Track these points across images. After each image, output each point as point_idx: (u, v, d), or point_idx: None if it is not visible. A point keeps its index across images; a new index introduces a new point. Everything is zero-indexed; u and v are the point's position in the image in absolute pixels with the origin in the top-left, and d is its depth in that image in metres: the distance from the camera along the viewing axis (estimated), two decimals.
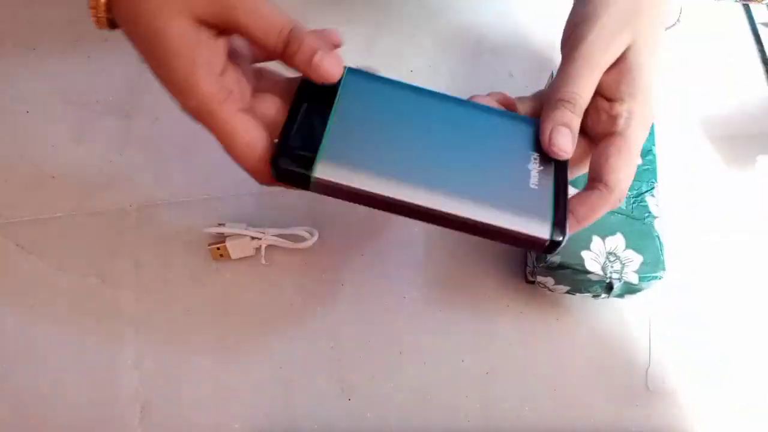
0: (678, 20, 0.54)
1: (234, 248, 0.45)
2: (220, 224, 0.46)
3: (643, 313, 0.47)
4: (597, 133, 0.35)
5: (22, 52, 0.53)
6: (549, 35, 0.54)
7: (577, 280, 0.42)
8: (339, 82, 0.34)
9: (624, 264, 0.42)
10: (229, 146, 0.32)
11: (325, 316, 0.46)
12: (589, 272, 0.41)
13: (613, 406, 0.44)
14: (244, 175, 0.49)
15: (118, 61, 0.53)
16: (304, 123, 0.34)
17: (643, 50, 0.35)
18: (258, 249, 0.46)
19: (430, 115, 0.35)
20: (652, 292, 0.46)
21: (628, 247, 0.42)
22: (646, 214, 0.43)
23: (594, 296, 0.44)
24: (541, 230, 0.32)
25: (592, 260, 0.41)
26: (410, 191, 0.32)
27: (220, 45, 0.32)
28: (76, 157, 0.49)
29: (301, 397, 0.44)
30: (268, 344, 0.45)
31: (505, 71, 0.54)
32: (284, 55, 0.32)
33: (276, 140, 0.33)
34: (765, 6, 0.58)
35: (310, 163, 0.32)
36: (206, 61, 0.31)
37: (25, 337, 0.45)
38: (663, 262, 0.42)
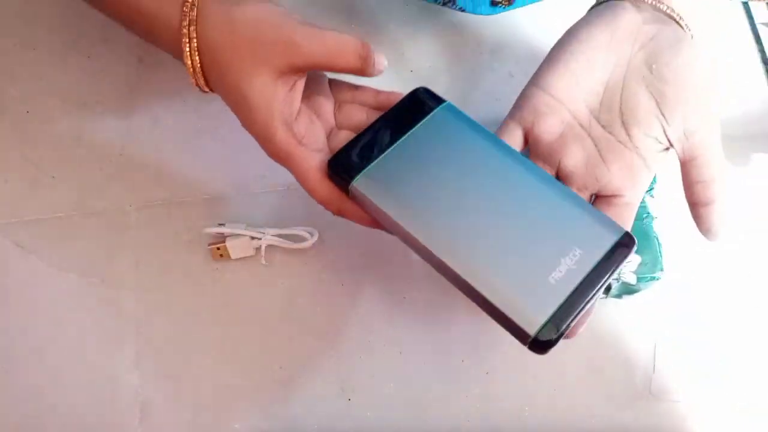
0: None
1: (234, 248, 0.45)
2: (219, 224, 0.46)
3: (644, 313, 0.47)
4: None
5: (22, 51, 0.53)
6: (549, 35, 0.54)
7: None
8: (430, 111, 0.36)
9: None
10: (303, 182, 0.36)
11: (325, 316, 0.46)
12: None
13: (613, 406, 0.44)
14: (243, 175, 0.50)
15: (118, 61, 0.53)
16: (373, 137, 0.36)
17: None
18: (258, 249, 0.46)
19: (493, 171, 0.35)
20: (652, 293, 0.46)
21: None
22: (645, 215, 0.43)
23: None
24: (530, 324, 0.31)
25: None
26: (427, 235, 0.32)
27: (294, 95, 0.36)
28: (76, 157, 0.50)
29: (300, 397, 0.44)
30: (268, 344, 0.45)
31: (505, 71, 0.54)
32: (364, 70, 0.36)
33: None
34: (765, 5, 0.58)
35: (354, 173, 0.34)
36: (282, 114, 0.35)
37: (25, 337, 0.45)
38: (661, 262, 0.42)
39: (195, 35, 0.35)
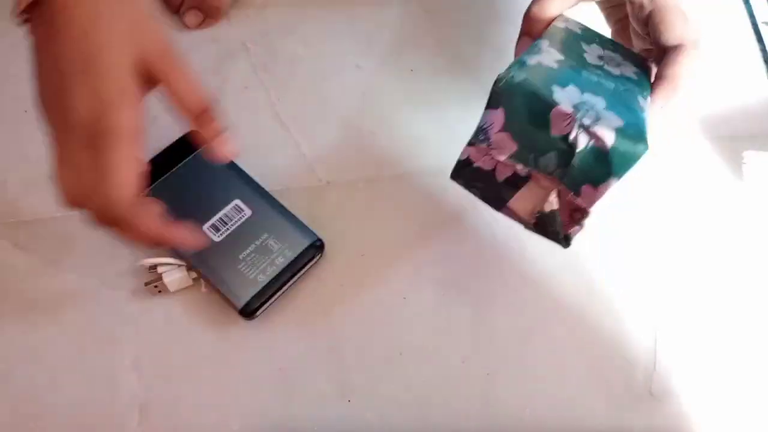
0: None
1: (171, 283, 0.44)
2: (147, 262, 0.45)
3: (644, 314, 0.47)
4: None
5: (20, 51, 0.53)
6: None
7: (529, 127, 0.34)
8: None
9: (600, 118, 0.34)
10: (105, 175, 0.33)
11: (325, 317, 0.46)
12: (555, 104, 0.33)
13: (613, 407, 0.44)
14: None
15: None
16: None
17: None
18: (196, 278, 0.45)
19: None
20: (652, 294, 0.46)
21: (609, 108, 0.35)
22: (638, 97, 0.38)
23: (537, 220, 0.38)
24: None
25: (564, 97, 0.34)
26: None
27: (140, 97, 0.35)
28: None
29: (300, 397, 0.44)
30: (268, 344, 0.45)
31: None
32: (199, 118, 0.36)
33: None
34: (766, 2, 0.58)
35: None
36: (133, 94, 0.34)
37: (24, 337, 0.45)
38: (646, 138, 0.34)
39: None
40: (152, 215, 0.36)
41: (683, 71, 0.39)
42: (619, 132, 0.34)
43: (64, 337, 0.45)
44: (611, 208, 0.49)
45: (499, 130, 0.35)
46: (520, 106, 0.34)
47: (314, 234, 0.46)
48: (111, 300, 0.45)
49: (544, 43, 0.39)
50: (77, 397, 0.43)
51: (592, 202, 0.36)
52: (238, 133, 0.50)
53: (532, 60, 0.36)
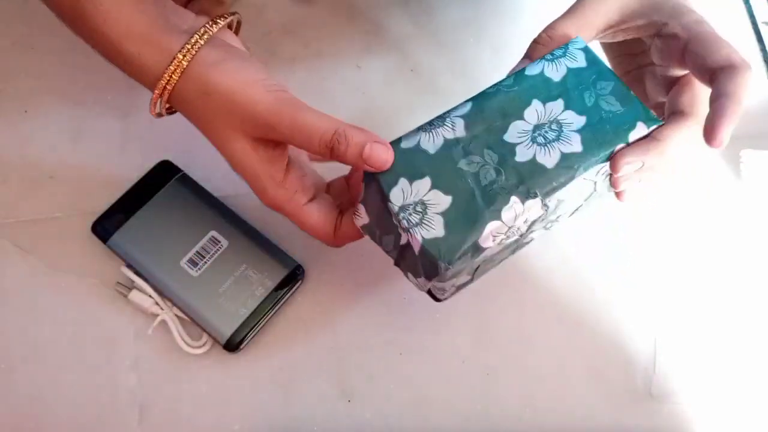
0: None
1: (136, 302, 0.45)
2: (129, 266, 0.45)
3: (644, 314, 0.47)
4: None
5: (21, 51, 0.53)
6: None
7: (379, 207, 0.36)
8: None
9: (420, 223, 0.34)
10: (301, 227, 0.39)
11: (324, 317, 0.46)
12: (389, 200, 0.34)
13: (613, 407, 0.44)
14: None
15: None
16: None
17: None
18: (155, 316, 0.44)
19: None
20: (651, 294, 0.46)
21: (453, 205, 0.34)
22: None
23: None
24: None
25: (400, 195, 0.35)
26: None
27: (278, 157, 0.37)
28: (76, 157, 0.49)
29: (300, 397, 0.44)
30: (268, 345, 0.45)
31: (506, 70, 0.53)
32: (333, 156, 0.35)
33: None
34: (766, 2, 0.58)
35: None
36: (268, 174, 0.36)
37: (24, 337, 0.45)
38: (475, 229, 0.34)
39: (170, 92, 0.36)
40: (350, 236, 0.39)
41: (743, 90, 0.35)
42: (439, 229, 0.34)
43: (64, 337, 0.45)
44: (611, 208, 0.49)
45: (361, 200, 0.37)
46: (373, 192, 0.36)
47: (293, 260, 0.46)
48: (111, 300, 0.45)
49: (460, 110, 0.36)
50: (77, 397, 0.43)
51: (425, 288, 0.38)
52: None
53: (409, 143, 0.35)
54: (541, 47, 0.39)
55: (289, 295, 0.45)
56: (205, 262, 0.45)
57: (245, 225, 0.46)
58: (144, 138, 0.50)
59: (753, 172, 0.51)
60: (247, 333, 0.43)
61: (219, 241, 0.45)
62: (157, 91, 0.36)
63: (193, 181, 0.48)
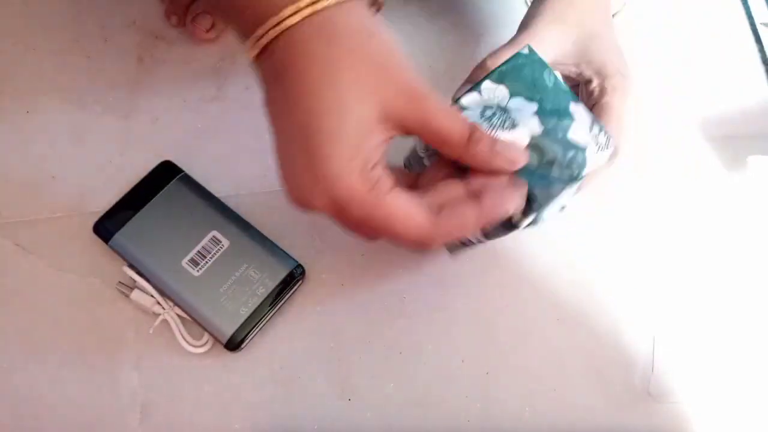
0: (624, 4, 0.56)
1: (137, 301, 0.45)
2: (131, 266, 0.45)
3: (643, 314, 0.47)
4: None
5: (22, 51, 0.53)
6: None
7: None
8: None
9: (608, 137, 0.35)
10: (384, 224, 0.30)
11: (325, 316, 0.46)
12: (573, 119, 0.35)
13: (612, 407, 0.44)
14: (243, 175, 0.49)
15: (118, 61, 0.52)
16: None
17: (591, 39, 0.42)
18: (157, 315, 0.45)
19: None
20: (650, 294, 0.46)
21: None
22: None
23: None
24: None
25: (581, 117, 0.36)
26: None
27: (383, 147, 0.31)
28: (76, 157, 0.49)
29: (301, 397, 0.44)
30: (268, 344, 0.45)
31: None
32: (467, 148, 0.31)
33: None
34: (765, 4, 0.58)
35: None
36: (364, 158, 0.30)
37: (25, 336, 0.45)
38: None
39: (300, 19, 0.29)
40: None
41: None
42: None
43: (65, 337, 0.45)
44: (611, 208, 0.49)
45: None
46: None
47: (294, 260, 0.46)
48: (113, 300, 0.45)
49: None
50: (78, 397, 0.43)
51: None
52: (238, 132, 0.50)
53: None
54: (483, 72, 0.40)
55: (289, 294, 0.45)
56: (207, 262, 0.45)
57: (246, 225, 0.47)
58: (145, 138, 0.50)
59: (756, 175, 0.51)
60: (248, 332, 0.43)
61: (220, 241, 0.45)
62: (276, 19, 0.29)
63: (194, 181, 0.48)
